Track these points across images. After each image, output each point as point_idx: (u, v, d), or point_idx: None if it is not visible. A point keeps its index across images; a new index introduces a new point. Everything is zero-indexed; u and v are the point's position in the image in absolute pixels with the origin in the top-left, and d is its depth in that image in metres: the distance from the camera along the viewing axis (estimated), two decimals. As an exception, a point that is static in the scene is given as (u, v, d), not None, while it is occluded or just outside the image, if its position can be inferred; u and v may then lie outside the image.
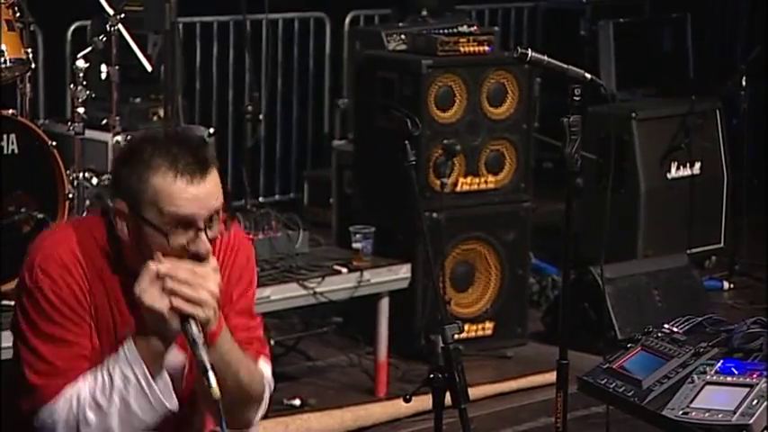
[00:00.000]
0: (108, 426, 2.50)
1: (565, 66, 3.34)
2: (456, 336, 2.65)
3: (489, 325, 6.04)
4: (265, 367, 2.75)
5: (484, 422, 5.25)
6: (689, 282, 6.19)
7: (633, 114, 6.97)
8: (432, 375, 2.66)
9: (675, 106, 7.20)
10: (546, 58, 3.33)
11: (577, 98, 3.29)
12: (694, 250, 7.04)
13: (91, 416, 2.48)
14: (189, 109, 7.25)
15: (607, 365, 3.12)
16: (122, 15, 4.92)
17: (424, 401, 5.33)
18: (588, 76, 3.31)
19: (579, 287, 6.05)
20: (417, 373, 5.67)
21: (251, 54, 7.52)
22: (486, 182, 6.00)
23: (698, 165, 7.13)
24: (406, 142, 2.95)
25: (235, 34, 7.71)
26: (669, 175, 7.05)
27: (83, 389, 2.50)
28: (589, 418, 5.07)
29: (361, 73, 6.20)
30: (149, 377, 2.50)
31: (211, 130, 6.19)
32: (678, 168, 7.07)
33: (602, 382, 3.08)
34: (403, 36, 6.29)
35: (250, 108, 6.00)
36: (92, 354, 2.57)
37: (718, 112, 7.21)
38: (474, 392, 5.44)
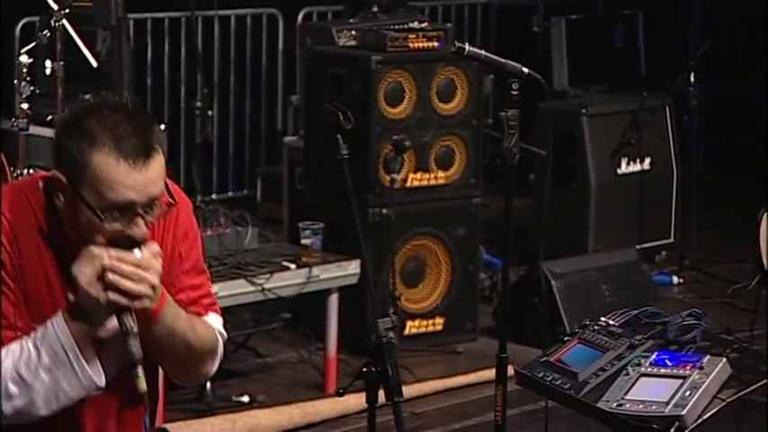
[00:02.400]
0: (31, 399, 2.44)
1: (502, 60, 3.35)
2: (390, 329, 2.64)
3: (440, 320, 6.06)
4: (216, 320, 2.71)
5: (433, 417, 5.26)
6: (638, 276, 6.23)
7: (583, 110, 7.01)
8: (365, 369, 2.66)
9: (626, 102, 7.24)
10: (483, 52, 3.34)
11: (515, 93, 3.30)
12: (645, 245, 7.09)
13: (13, 389, 2.43)
14: (140, 105, 7.21)
15: (545, 359, 3.13)
16: (67, 11, 4.89)
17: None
18: (526, 70, 3.32)
19: (529, 282, 6.08)
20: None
21: (203, 50, 7.50)
22: (436, 177, 6.01)
23: (648, 160, 7.18)
24: (339, 136, 2.93)
25: (186, 30, 7.69)
26: (619, 171, 7.09)
27: (5, 360, 2.43)
28: (538, 412, 5.09)
29: (311, 69, 6.20)
30: (80, 355, 2.44)
31: (162, 127, 6.16)
32: (628, 164, 7.12)
33: (540, 375, 3.09)
34: (353, 32, 6.29)
35: (199, 104, 5.98)
36: (15, 323, 2.49)
37: (667, 108, 7.26)
38: (423, 388, 5.47)
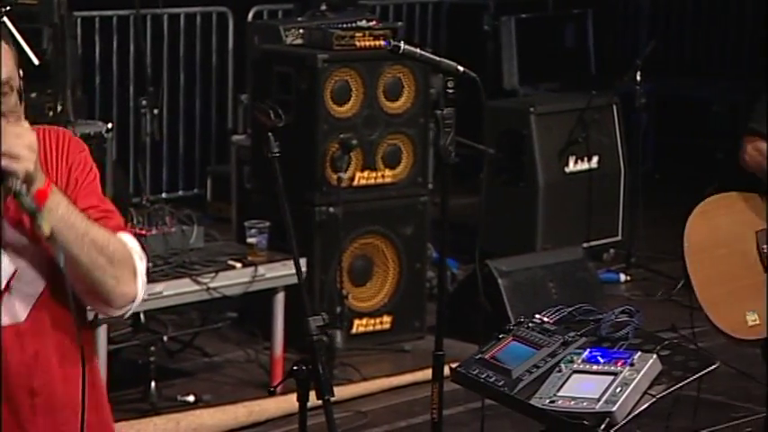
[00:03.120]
0: None
1: (437, 58, 3.36)
2: (321, 327, 2.65)
3: (387, 319, 6.07)
4: (129, 238, 2.55)
5: (379, 416, 5.27)
6: (584, 274, 6.27)
7: (531, 109, 7.04)
8: (295, 368, 2.66)
9: (574, 101, 7.29)
10: (418, 50, 3.34)
11: (451, 91, 3.30)
12: (593, 243, 7.14)
13: None
14: (88, 104, 7.17)
15: (479, 356, 3.14)
16: (8, 8, 4.85)
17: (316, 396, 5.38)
18: (461, 69, 3.33)
19: (476, 280, 6.10)
20: (314, 368, 5.69)
21: (152, 49, 7.47)
22: (383, 176, 6.02)
23: (596, 159, 7.23)
24: (270, 134, 2.92)
25: (135, 28, 7.65)
26: (567, 169, 7.13)
27: None
28: (487, 409, 5.11)
29: (258, 68, 6.19)
30: None
31: (109, 126, 6.13)
32: (576, 162, 7.16)
33: (475, 372, 3.10)
34: (301, 31, 6.28)
35: (145, 102, 5.95)
36: None
37: (615, 106, 7.31)
38: (370, 387, 5.48)
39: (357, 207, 5.91)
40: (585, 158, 7.18)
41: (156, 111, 5.88)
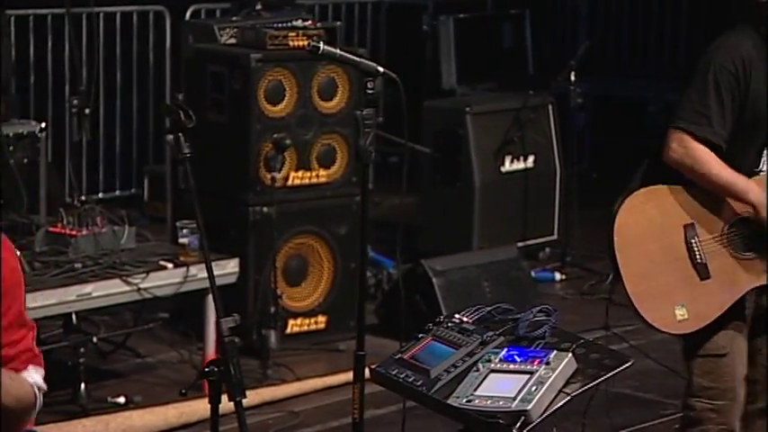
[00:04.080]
0: None
1: (357, 59, 3.36)
2: (231, 327, 2.64)
3: (322, 319, 6.06)
4: (36, 373, 2.76)
5: (312, 416, 5.27)
6: (518, 273, 6.31)
7: (467, 108, 7.07)
8: (206, 369, 2.65)
9: (509, 101, 7.32)
10: (338, 51, 3.34)
11: (371, 91, 3.31)
12: (529, 242, 7.19)
13: None
14: (23, 103, 7.11)
15: (399, 356, 3.16)
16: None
17: (253, 397, 5.37)
18: (381, 69, 3.33)
19: (411, 279, 6.12)
20: (248, 368, 5.66)
21: (87, 47, 7.41)
22: (317, 176, 6.01)
23: (531, 158, 7.27)
24: (180, 134, 2.91)
25: (70, 27, 7.58)
26: (503, 169, 7.17)
27: None
28: (416, 408, 5.12)
29: (192, 67, 6.16)
30: None
31: (43, 125, 6.07)
32: (512, 162, 7.19)
33: (394, 372, 3.12)
34: (235, 30, 6.26)
35: (76, 102, 5.91)
36: None
37: (550, 106, 7.35)
38: (303, 387, 5.48)
39: (291, 207, 5.90)
40: (521, 158, 7.22)
41: (87, 111, 5.83)
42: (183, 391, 2.79)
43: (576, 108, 7.26)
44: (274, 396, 5.36)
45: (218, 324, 2.66)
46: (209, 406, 5.06)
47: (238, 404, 2.67)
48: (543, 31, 9.63)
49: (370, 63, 3.28)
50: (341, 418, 5.27)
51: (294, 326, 5.99)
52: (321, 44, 3.26)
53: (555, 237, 7.36)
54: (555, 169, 7.37)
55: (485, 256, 6.37)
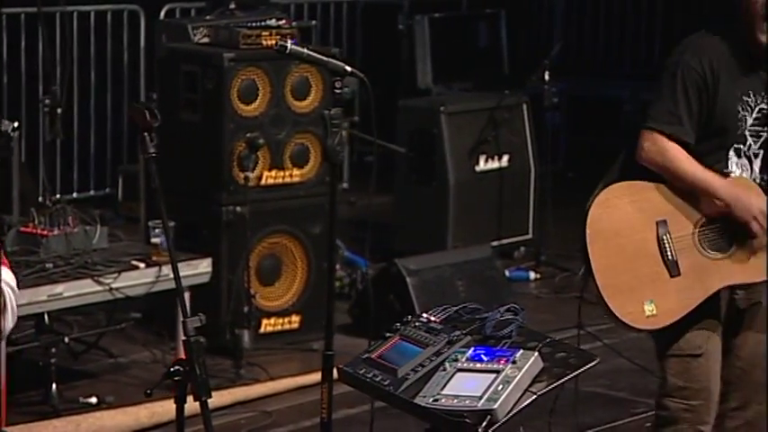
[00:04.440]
0: None
1: (324, 58, 3.36)
2: (198, 328, 2.64)
3: (296, 318, 6.06)
4: (5, 272, 2.64)
5: (284, 415, 5.26)
6: (492, 273, 6.31)
7: (441, 108, 7.07)
8: (172, 369, 2.65)
9: (484, 100, 7.33)
10: (306, 51, 3.34)
11: (338, 91, 3.31)
12: (503, 241, 7.20)
13: None
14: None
15: (366, 356, 3.16)
16: None
17: (225, 397, 5.36)
18: (348, 68, 3.33)
19: (385, 279, 6.12)
20: (222, 368, 5.66)
21: (61, 47, 7.37)
22: (291, 175, 6.01)
23: (506, 158, 7.28)
24: (146, 134, 2.90)
25: (43, 26, 7.54)
26: (478, 168, 7.18)
27: None
28: (388, 408, 5.12)
29: (165, 66, 6.15)
30: None
31: (16, 125, 6.04)
32: (486, 161, 7.20)
33: (361, 372, 3.12)
34: (208, 29, 6.24)
35: (48, 101, 5.89)
36: None
37: (525, 106, 7.36)
38: (276, 386, 5.47)
39: (265, 206, 5.89)
40: (496, 157, 7.23)
41: (59, 110, 5.80)
42: (149, 391, 2.77)
43: (550, 107, 7.27)
44: (247, 396, 5.36)
45: (183, 324, 2.65)
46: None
47: (204, 404, 2.66)
48: (519, 31, 9.65)
49: (338, 63, 3.28)
50: (313, 417, 5.24)
51: (268, 325, 5.98)
52: (288, 43, 3.27)
53: (530, 236, 7.37)
54: (529, 168, 7.38)
55: (459, 256, 6.37)
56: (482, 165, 7.19)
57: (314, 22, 7.92)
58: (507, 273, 6.90)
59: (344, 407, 5.23)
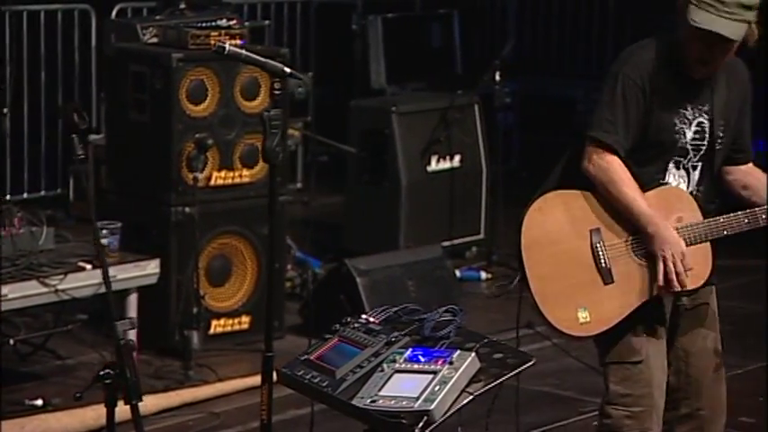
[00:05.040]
0: None
1: (262, 60, 3.35)
2: (128, 331, 2.62)
3: (246, 319, 6.04)
4: None
5: (232, 416, 5.25)
6: (442, 273, 6.33)
7: (393, 108, 7.08)
8: (102, 372, 2.63)
9: (435, 100, 7.34)
10: (244, 52, 3.33)
11: (278, 92, 3.30)
12: (456, 241, 7.21)
13: None
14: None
15: (305, 357, 3.16)
16: None
17: (173, 399, 5.34)
18: (287, 70, 3.33)
19: (336, 279, 6.12)
20: (170, 369, 5.65)
21: (10, 46, 7.32)
22: (240, 176, 5.99)
23: (458, 158, 7.29)
24: (74, 136, 2.89)
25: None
26: (429, 168, 7.19)
27: None
28: (333, 410, 5.12)
29: (114, 66, 6.12)
30: None
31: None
32: (438, 161, 7.22)
33: (300, 373, 3.11)
34: (158, 29, 6.22)
35: (-7, 102, 5.86)
36: None
37: (476, 106, 7.38)
38: (224, 387, 5.45)
39: (214, 207, 5.87)
40: (447, 157, 7.24)
41: (5, 110, 5.77)
42: (78, 394, 2.75)
43: (501, 107, 7.29)
44: (195, 397, 5.34)
45: (113, 327, 2.64)
46: (127, 408, 5.09)
47: (134, 408, 2.65)
48: (472, 31, 9.67)
49: (277, 64, 3.28)
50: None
51: (217, 326, 5.97)
52: (227, 45, 3.26)
53: (481, 236, 7.39)
54: (481, 168, 7.40)
55: (409, 256, 6.38)
56: (434, 165, 7.20)
57: (267, 22, 7.89)
58: (459, 273, 6.92)
59: (293, 407, 5.23)
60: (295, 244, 6.88)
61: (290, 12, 9.08)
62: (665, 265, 3.61)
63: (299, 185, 8.48)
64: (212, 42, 5.85)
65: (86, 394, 5.24)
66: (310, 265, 6.81)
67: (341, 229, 7.44)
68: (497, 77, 7.13)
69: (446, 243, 6.95)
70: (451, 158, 7.27)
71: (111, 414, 2.78)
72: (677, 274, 3.61)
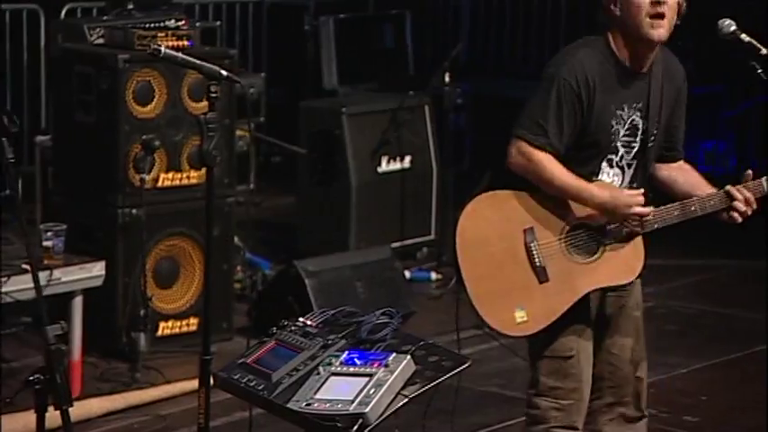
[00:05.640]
0: None
1: (199, 63, 3.34)
2: (58, 336, 2.60)
3: (194, 321, 6.02)
4: None
5: (178, 419, 5.23)
6: (391, 274, 6.32)
7: (343, 109, 7.07)
8: (31, 378, 2.61)
9: (386, 101, 7.34)
10: (180, 54, 3.32)
11: (214, 95, 3.29)
12: (406, 242, 7.22)
13: None
14: None
15: (242, 360, 3.14)
16: None
17: (119, 401, 5.31)
18: (224, 72, 3.32)
19: (284, 281, 6.11)
20: (117, 372, 5.62)
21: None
22: (188, 177, 5.96)
23: (408, 159, 7.30)
24: (3, 139, 2.86)
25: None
26: (380, 169, 7.19)
27: None
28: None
29: (60, 67, 6.08)
30: None
31: None
32: (389, 162, 7.22)
33: (236, 377, 3.10)
34: (105, 29, 6.18)
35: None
36: None
37: (426, 107, 7.39)
38: (170, 390, 5.43)
39: (161, 208, 5.84)
40: (398, 158, 7.25)
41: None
42: (8, 399, 2.73)
43: (451, 109, 7.30)
44: (141, 400, 5.31)
45: (43, 332, 2.62)
46: (73, 411, 5.05)
47: (64, 413, 2.63)
48: (424, 32, 9.68)
49: (213, 67, 3.27)
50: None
51: (165, 328, 5.94)
52: (162, 47, 3.24)
53: (432, 236, 7.40)
54: (431, 169, 7.41)
55: (358, 257, 6.38)
56: (384, 166, 7.21)
57: (218, 22, 7.86)
58: (409, 273, 6.92)
59: (238, 410, 5.21)
60: (245, 245, 6.86)
61: (242, 12, 9.06)
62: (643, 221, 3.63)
63: (251, 186, 8.45)
64: (160, 43, 5.83)
65: (31, 398, 5.25)
66: (260, 266, 6.79)
67: (293, 230, 7.43)
68: (447, 79, 7.13)
69: (397, 244, 6.95)
70: (402, 159, 7.27)
71: (41, 419, 2.76)
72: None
